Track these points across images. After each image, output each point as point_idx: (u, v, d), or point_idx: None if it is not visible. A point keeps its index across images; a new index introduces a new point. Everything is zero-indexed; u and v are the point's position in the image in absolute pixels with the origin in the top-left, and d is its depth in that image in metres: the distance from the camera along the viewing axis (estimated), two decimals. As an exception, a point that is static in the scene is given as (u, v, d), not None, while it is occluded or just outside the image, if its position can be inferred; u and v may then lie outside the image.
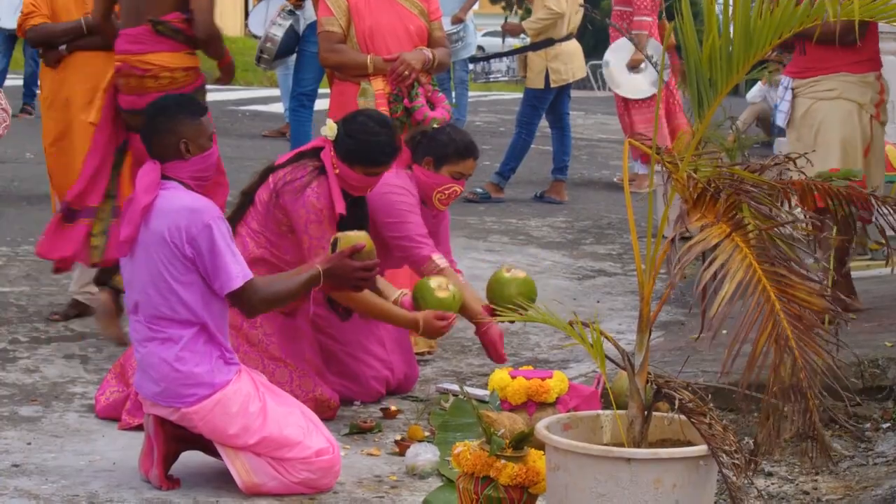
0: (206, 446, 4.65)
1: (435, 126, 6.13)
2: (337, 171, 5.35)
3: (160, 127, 4.59)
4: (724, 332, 3.48)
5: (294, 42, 10.44)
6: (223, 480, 4.62)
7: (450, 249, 6.13)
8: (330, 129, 5.39)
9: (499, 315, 3.99)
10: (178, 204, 4.51)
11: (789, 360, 3.41)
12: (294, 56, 10.68)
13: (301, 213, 5.30)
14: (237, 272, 4.50)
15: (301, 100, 10.60)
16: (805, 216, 3.82)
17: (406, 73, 6.23)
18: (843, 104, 6.46)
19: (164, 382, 4.48)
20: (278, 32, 10.27)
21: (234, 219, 5.43)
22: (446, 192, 5.84)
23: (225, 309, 4.60)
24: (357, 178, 5.35)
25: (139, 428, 5.08)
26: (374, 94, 6.23)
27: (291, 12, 10.36)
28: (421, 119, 6.24)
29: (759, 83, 15.30)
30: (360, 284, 4.90)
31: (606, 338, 3.67)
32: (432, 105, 6.32)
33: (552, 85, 11.09)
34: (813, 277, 3.52)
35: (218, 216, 4.52)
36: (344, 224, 5.29)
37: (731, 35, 3.62)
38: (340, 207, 5.31)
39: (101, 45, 6.63)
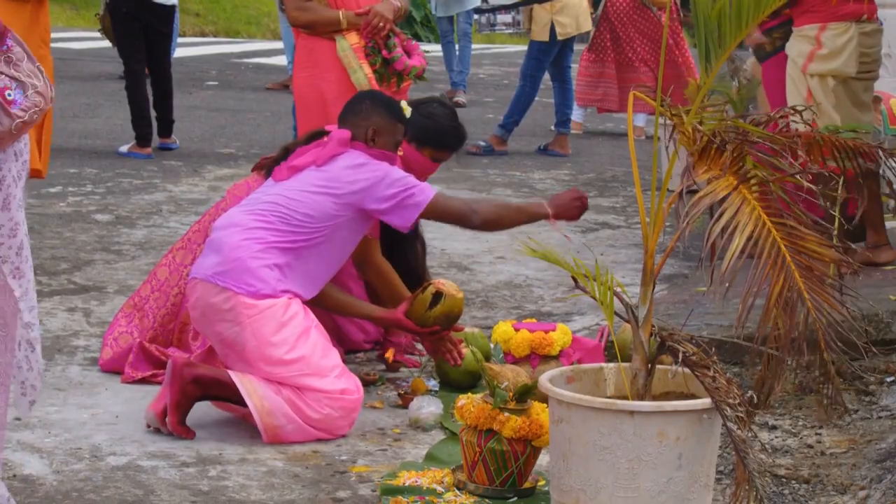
0: (221, 391, 4.63)
1: (418, 77, 6.10)
2: (401, 152, 5.32)
3: (361, 107, 5.07)
4: (727, 284, 3.46)
5: None
6: (226, 433, 4.63)
7: None
8: None
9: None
10: (364, 166, 4.87)
11: (802, 313, 3.40)
12: None
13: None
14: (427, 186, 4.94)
15: None
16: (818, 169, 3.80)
17: (381, 24, 6.17)
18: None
19: (231, 264, 4.63)
20: None
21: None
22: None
23: (312, 285, 4.76)
24: (421, 160, 5.43)
25: (142, 381, 5.10)
26: (352, 49, 6.16)
27: None
28: (402, 69, 6.17)
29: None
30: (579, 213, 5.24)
31: (611, 290, 3.65)
32: (409, 53, 6.26)
33: (558, 38, 11.03)
34: (822, 228, 3.51)
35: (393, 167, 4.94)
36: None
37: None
38: None
39: None
